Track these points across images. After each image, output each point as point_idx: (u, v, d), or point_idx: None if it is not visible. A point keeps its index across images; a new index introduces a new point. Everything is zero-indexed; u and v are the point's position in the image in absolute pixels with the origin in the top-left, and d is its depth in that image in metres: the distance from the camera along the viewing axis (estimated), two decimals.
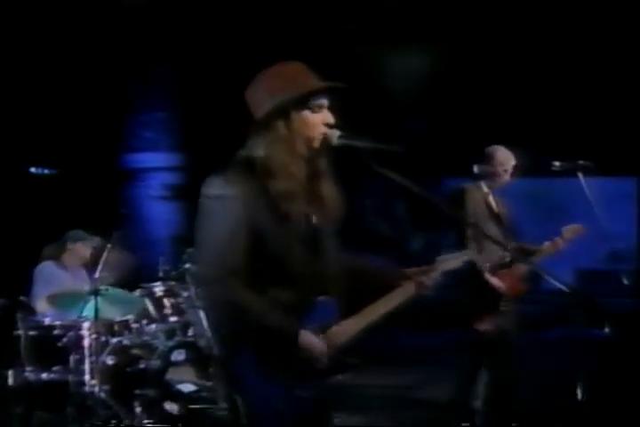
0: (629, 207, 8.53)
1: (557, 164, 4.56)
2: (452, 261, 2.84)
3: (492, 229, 4.90)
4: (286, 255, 2.55)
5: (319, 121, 2.57)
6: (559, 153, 4.68)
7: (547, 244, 4.97)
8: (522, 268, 4.90)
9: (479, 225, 4.83)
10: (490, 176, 5.02)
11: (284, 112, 2.56)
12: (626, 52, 7.44)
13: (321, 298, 2.59)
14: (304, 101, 2.56)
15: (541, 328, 6.00)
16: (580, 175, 4.46)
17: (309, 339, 2.51)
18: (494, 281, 4.82)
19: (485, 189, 5.05)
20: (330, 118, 2.59)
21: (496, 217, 5.00)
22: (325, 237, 2.67)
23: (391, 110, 8.78)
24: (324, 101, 2.59)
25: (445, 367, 5.41)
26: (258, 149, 2.58)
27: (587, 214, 4.46)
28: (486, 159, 5.03)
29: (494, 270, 4.85)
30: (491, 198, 5.05)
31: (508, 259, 4.89)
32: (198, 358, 5.07)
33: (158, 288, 5.48)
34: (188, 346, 5.14)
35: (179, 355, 5.07)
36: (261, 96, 2.60)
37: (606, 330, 4.92)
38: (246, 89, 2.64)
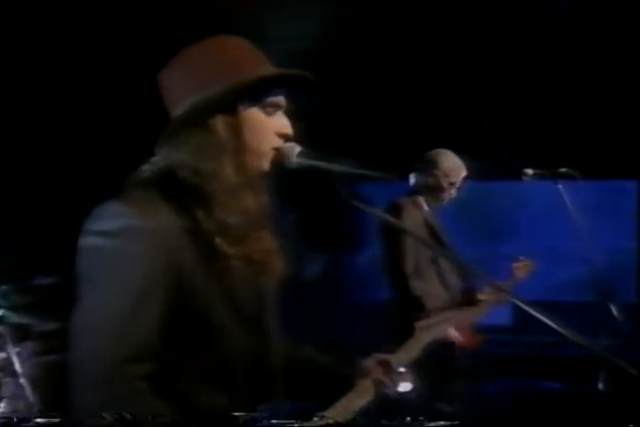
0: (626, 218, 6.85)
1: (530, 171, 3.63)
2: (414, 348, 2.33)
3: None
4: (223, 331, 1.75)
5: (271, 128, 1.81)
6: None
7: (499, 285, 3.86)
8: (472, 314, 3.91)
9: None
10: (431, 190, 4.10)
11: (226, 106, 1.77)
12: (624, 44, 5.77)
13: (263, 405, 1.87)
14: (256, 93, 1.79)
15: (479, 378, 5.06)
16: (560, 186, 3.58)
17: None
18: (451, 332, 3.81)
19: (426, 207, 4.12)
20: (287, 126, 1.83)
21: (439, 244, 4.07)
22: (270, 311, 1.93)
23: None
24: (282, 100, 1.83)
25: None
26: (181, 160, 1.76)
27: (548, 230, 3.79)
28: (427, 167, 4.08)
29: None
30: (432, 220, 4.12)
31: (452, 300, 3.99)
32: None
33: None
34: None
35: None
36: (188, 82, 1.79)
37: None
38: (161, 71, 1.84)
